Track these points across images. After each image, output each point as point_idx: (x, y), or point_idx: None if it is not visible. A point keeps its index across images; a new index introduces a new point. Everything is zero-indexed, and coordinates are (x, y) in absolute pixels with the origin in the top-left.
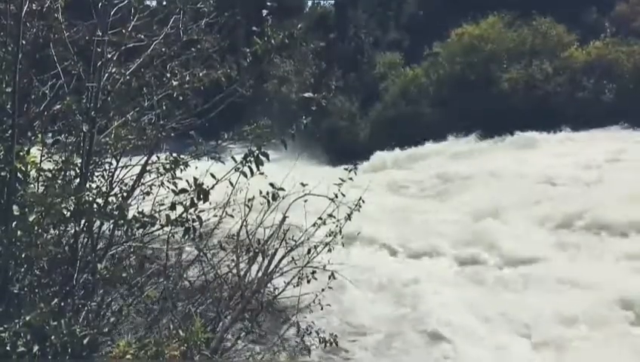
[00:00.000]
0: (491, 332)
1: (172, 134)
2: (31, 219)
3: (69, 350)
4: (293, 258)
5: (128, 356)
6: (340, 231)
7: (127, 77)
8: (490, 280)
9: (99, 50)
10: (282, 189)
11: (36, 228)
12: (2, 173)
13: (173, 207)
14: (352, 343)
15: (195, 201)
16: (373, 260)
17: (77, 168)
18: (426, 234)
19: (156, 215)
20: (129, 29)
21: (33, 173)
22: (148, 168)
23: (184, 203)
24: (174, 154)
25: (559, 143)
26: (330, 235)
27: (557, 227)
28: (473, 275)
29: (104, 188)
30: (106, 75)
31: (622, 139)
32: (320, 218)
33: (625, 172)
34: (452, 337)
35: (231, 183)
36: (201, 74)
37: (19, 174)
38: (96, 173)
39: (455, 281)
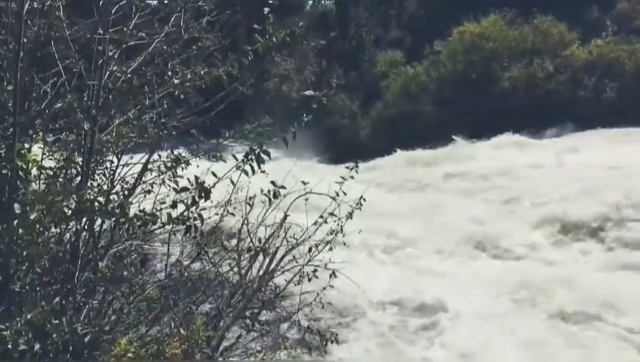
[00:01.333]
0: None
1: (173, 132)
2: (32, 217)
3: (71, 348)
4: (294, 256)
5: (129, 354)
6: (342, 230)
7: (129, 75)
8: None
9: (100, 48)
10: (283, 187)
11: (37, 226)
12: (4, 171)
13: (174, 205)
14: None
15: (197, 200)
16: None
17: (78, 166)
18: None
19: (157, 213)
20: (130, 27)
21: (34, 171)
22: (149, 166)
23: (185, 201)
24: (175, 153)
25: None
26: (331, 233)
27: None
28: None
29: (105, 187)
30: (107, 73)
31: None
32: (321, 216)
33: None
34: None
35: (232, 182)
36: (202, 72)
37: (20, 172)
38: (97, 172)
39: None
